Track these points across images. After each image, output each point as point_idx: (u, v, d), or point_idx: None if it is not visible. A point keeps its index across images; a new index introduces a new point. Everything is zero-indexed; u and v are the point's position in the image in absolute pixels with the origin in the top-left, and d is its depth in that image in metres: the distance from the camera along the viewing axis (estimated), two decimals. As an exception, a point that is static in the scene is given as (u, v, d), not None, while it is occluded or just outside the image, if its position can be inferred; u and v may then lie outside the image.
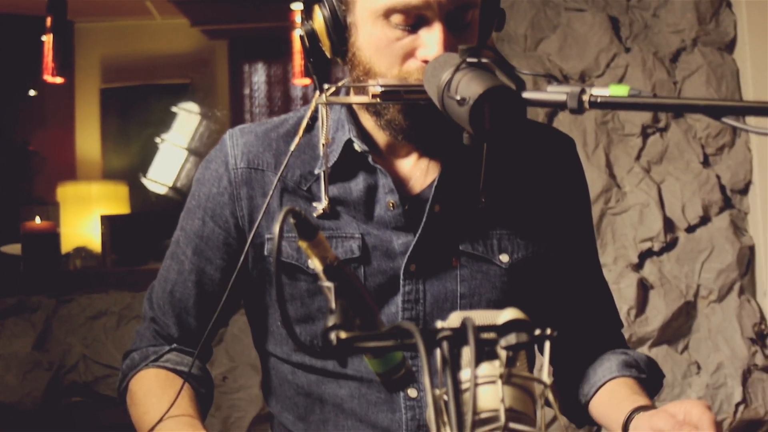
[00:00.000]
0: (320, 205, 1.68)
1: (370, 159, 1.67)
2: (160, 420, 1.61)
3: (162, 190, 4.84)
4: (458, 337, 1.13)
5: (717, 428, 1.43)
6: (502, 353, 1.16)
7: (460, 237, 1.69)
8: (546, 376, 1.20)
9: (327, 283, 1.21)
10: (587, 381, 1.75)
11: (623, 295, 3.46)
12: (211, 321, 1.69)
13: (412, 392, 1.65)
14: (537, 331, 1.14)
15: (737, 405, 3.46)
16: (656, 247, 3.56)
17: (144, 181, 4.78)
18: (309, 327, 1.69)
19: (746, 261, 3.62)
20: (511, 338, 1.13)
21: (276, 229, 1.15)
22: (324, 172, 1.67)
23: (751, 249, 3.63)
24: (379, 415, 1.67)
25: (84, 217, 4.27)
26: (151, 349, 1.79)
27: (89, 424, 3.20)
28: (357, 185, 1.68)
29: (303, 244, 1.21)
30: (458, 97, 1.34)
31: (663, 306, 3.50)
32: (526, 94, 1.34)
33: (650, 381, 1.73)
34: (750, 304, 3.57)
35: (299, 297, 1.69)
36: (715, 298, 3.56)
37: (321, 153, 1.69)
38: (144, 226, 4.17)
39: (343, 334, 1.11)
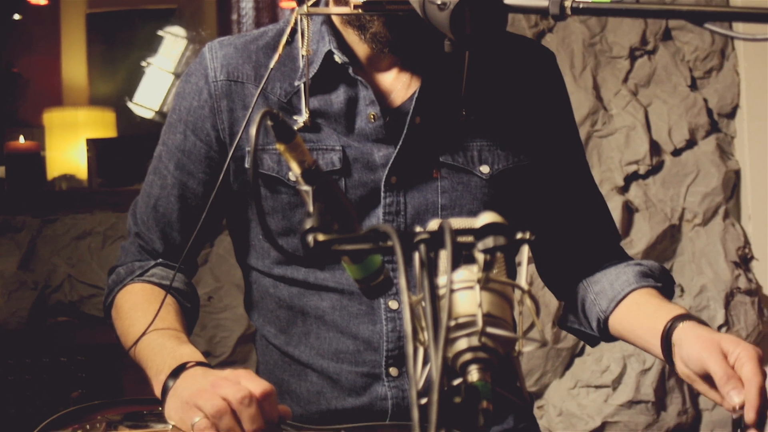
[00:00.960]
0: (301, 118, 1.67)
1: (350, 71, 1.66)
2: (144, 333, 1.62)
3: (149, 115, 4.81)
4: (436, 240, 1.12)
5: (762, 394, 1.41)
6: (480, 257, 1.15)
7: (440, 149, 1.68)
8: (524, 281, 1.20)
9: (305, 187, 1.21)
10: (605, 296, 1.73)
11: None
12: (194, 234, 1.69)
13: (393, 304, 1.65)
14: (518, 235, 1.14)
15: (719, 328, 3.48)
16: (642, 170, 3.56)
17: (130, 105, 4.75)
18: (290, 240, 1.69)
19: (731, 185, 3.62)
20: (489, 241, 1.13)
21: (253, 131, 1.15)
22: (304, 83, 1.66)
23: (737, 173, 3.63)
24: (360, 327, 1.68)
25: (70, 143, 4.24)
26: (136, 264, 1.79)
27: (75, 344, 3.20)
28: (338, 97, 1.67)
29: (281, 147, 1.21)
30: (439, 2, 1.32)
31: (648, 229, 3.51)
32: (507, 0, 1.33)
33: (666, 289, 1.72)
34: (734, 228, 3.58)
35: (280, 210, 1.68)
36: (700, 221, 3.57)
37: (301, 65, 1.67)
38: (130, 149, 4.14)
39: (320, 237, 1.11)
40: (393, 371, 1.66)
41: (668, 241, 3.56)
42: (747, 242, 3.60)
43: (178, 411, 1.43)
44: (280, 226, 1.69)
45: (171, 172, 1.75)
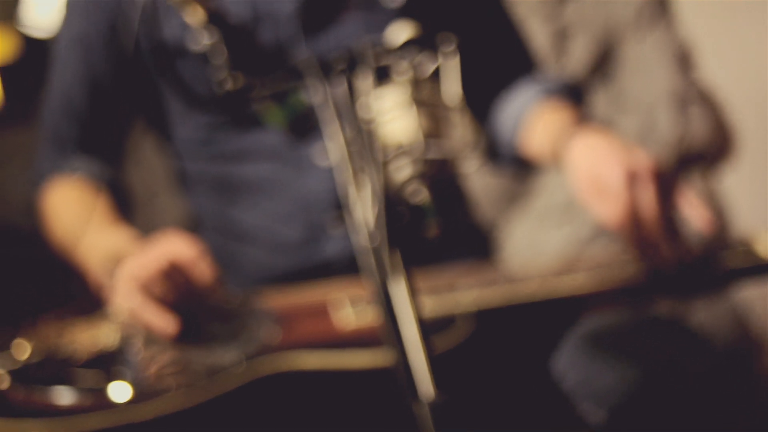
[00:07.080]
0: None
1: None
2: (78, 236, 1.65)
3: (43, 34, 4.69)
4: (356, 63, 1.14)
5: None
6: (408, 76, 1.17)
7: None
8: (457, 95, 1.22)
9: (215, 37, 1.21)
10: (509, 115, 1.78)
11: (538, 43, 3.46)
12: (113, 121, 1.72)
13: (326, 158, 1.67)
14: (441, 46, 1.15)
15: (672, 140, 3.52)
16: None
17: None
18: (204, 111, 1.71)
19: (666, -9, 3.63)
20: (415, 56, 1.15)
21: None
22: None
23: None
24: (299, 190, 1.71)
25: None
26: (58, 162, 1.80)
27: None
28: None
29: (180, -7, 1.21)
30: None
31: (585, 46, 3.51)
32: None
33: (571, 99, 1.77)
34: (676, 36, 3.59)
35: (189, 81, 1.68)
36: (640, 32, 3.57)
37: None
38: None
39: (240, 79, 1.12)
40: (339, 226, 1.69)
41: (609, 55, 3.57)
42: (690, 49, 3.63)
43: (121, 296, 1.46)
44: (189, 98, 1.70)
45: (77, 66, 1.76)
